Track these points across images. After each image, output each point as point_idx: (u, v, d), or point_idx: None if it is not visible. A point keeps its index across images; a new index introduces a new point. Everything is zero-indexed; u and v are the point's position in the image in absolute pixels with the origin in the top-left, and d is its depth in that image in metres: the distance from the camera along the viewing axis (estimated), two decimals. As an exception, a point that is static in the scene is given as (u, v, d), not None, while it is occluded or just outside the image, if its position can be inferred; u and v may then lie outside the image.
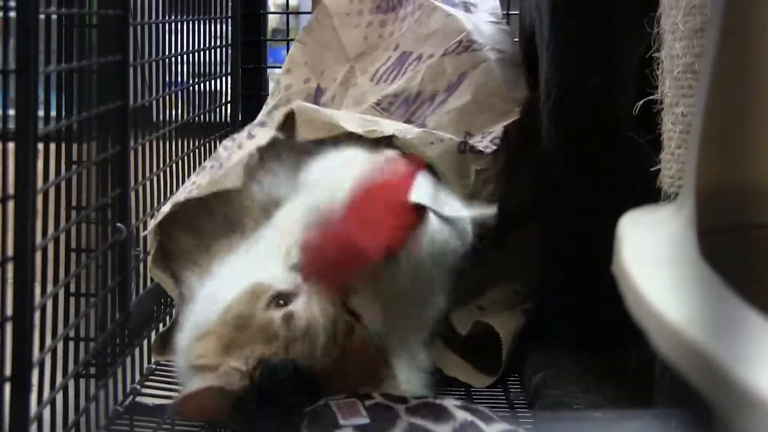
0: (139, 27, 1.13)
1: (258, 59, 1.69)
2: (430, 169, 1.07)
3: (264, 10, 1.73)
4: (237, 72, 1.61)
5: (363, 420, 0.84)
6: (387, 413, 0.85)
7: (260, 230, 1.04)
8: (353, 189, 0.96)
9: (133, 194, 1.10)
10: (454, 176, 1.09)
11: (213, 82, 1.52)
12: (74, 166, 0.92)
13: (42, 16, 0.81)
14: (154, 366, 1.15)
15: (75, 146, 0.93)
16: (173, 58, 1.31)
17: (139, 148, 1.15)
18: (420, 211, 0.95)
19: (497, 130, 1.16)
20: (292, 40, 1.56)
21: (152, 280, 1.16)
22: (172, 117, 1.32)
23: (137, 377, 1.12)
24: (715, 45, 0.56)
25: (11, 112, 0.79)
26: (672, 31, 0.80)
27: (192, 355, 0.93)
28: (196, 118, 1.42)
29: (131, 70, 1.07)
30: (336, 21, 1.40)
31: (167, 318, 1.23)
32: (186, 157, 1.35)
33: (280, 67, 1.46)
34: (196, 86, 1.44)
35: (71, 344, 0.92)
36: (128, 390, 1.07)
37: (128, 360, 1.10)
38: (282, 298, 0.92)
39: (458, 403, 0.88)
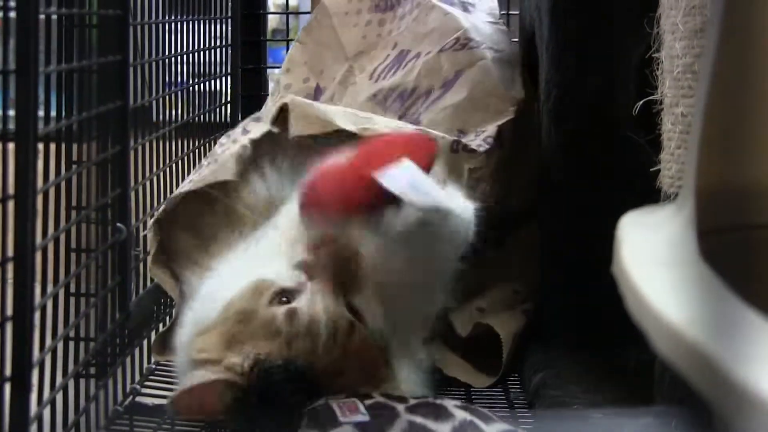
0: (139, 27, 1.13)
1: (258, 59, 1.69)
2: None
3: (264, 10, 1.73)
4: (237, 72, 1.61)
5: (363, 418, 0.84)
6: (387, 412, 0.85)
7: (261, 229, 1.04)
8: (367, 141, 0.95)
9: (133, 194, 1.10)
10: (447, 175, 1.09)
11: (213, 82, 1.52)
12: (74, 166, 0.92)
13: (42, 16, 0.81)
14: (154, 366, 1.15)
15: (75, 146, 0.93)
16: (173, 58, 1.31)
17: (139, 148, 1.15)
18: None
19: (491, 129, 1.16)
20: (291, 40, 1.56)
21: (152, 280, 1.16)
22: (172, 117, 1.32)
23: (137, 377, 1.12)
24: (715, 45, 0.56)
25: (11, 112, 0.79)
26: (672, 32, 0.80)
27: (193, 349, 0.92)
28: (196, 119, 1.42)
29: (131, 70, 1.07)
30: (335, 20, 1.40)
31: (167, 318, 1.23)
32: (186, 157, 1.35)
33: (279, 67, 1.46)
34: (196, 86, 1.44)
35: (71, 344, 0.92)
36: (128, 390, 1.07)
37: (128, 360, 1.10)
38: (285, 295, 0.91)
39: (458, 403, 0.88)
